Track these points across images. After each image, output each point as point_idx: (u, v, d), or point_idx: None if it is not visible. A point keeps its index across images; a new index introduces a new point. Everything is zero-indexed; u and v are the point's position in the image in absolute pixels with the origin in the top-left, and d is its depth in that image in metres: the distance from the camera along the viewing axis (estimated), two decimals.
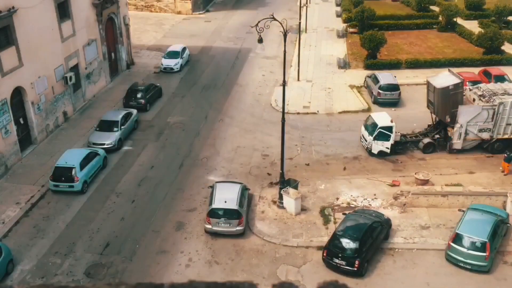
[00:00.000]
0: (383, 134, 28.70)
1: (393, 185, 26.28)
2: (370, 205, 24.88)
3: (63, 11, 32.92)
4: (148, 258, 21.82)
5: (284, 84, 24.13)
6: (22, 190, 26.14)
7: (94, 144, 29.70)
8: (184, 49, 44.36)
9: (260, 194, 26.04)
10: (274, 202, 25.12)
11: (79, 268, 21.15)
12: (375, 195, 25.73)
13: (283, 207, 24.68)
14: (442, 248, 21.72)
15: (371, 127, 29.35)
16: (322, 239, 22.35)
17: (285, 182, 25.01)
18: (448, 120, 28.92)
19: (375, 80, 36.59)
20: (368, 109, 34.99)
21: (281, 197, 24.69)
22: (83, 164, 26.26)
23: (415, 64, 42.16)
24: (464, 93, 29.74)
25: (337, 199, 25.51)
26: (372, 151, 29.09)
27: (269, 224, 23.78)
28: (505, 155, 27.48)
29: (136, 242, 22.74)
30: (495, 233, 21.18)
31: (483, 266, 20.57)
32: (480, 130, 28.78)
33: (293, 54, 44.80)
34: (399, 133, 29.49)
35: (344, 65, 42.88)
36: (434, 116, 30.69)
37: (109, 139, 29.97)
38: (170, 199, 25.82)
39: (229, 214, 22.58)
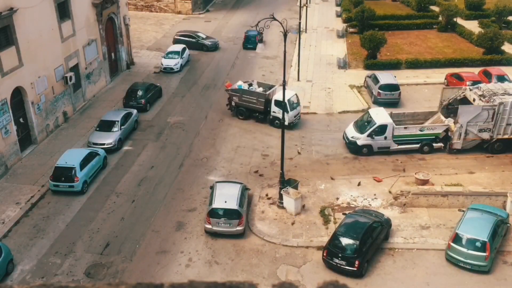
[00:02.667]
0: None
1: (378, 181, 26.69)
2: (370, 205, 24.87)
3: (63, 11, 32.91)
4: (148, 258, 21.82)
5: (284, 84, 24.13)
6: (22, 190, 26.13)
7: (94, 144, 29.68)
8: (184, 49, 44.34)
9: (260, 194, 26.04)
10: (274, 203, 25.15)
11: (79, 268, 21.15)
12: (375, 195, 25.74)
13: (283, 207, 24.68)
14: (442, 248, 21.72)
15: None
16: (322, 239, 22.35)
17: (285, 182, 25.00)
18: None
19: (375, 80, 36.58)
20: (368, 109, 34.98)
21: (281, 197, 24.68)
22: (83, 164, 26.25)
23: (415, 64, 42.14)
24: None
25: (337, 199, 25.51)
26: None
27: (269, 224, 23.78)
28: None
29: (136, 242, 22.73)
30: (495, 233, 21.18)
31: (483, 266, 20.56)
32: (480, 130, 28.78)
33: (293, 54, 44.78)
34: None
35: (344, 65, 42.87)
36: None
37: (109, 139, 29.96)
38: (170, 199, 25.81)
39: (229, 214, 22.57)
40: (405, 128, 29.47)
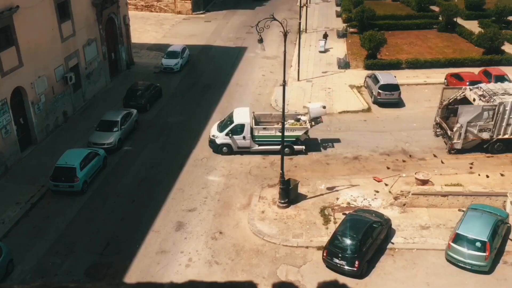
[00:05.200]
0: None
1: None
2: (370, 205, 24.87)
3: (63, 11, 32.92)
4: (148, 258, 21.83)
5: (284, 84, 24.13)
6: (22, 190, 26.13)
7: (94, 144, 29.69)
8: (184, 49, 44.36)
9: (260, 194, 26.03)
10: (274, 203, 25.16)
11: (79, 268, 21.15)
12: (375, 195, 25.74)
13: (283, 207, 24.67)
14: (442, 248, 21.71)
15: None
16: (322, 239, 22.34)
17: (285, 182, 24.98)
18: None
19: (375, 80, 36.57)
20: (368, 109, 35.02)
21: (281, 197, 24.67)
22: (83, 164, 26.26)
23: (415, 64, 42.13)
24: None
25: (337, 199, 25.51)
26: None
27: (269, 224, 23.78)
28: None
29: (136, 242, 22.74)
30: (495, 233, 21.18)
31: (483, 266, 20.55)
32: (480, 130, 28.78)
33: (293, 54, 44.77)
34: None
35: (344, 65, 42.85)
36: None
37: (109, 139, 29.97)
38: (170, 199, 25.81)
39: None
40: (264, 128, 29.42)
